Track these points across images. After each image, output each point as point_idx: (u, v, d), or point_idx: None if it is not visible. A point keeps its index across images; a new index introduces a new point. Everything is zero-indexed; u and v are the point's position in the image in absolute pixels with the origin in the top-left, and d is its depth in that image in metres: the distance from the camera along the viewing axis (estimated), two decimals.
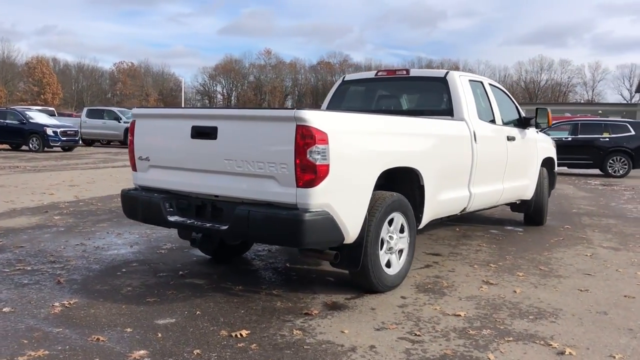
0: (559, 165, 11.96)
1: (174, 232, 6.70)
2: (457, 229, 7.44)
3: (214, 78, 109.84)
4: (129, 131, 4.75)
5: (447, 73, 5.92)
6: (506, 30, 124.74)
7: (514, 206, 7.56)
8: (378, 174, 4.31)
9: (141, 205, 4.58)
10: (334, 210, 3.90)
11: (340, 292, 4.55)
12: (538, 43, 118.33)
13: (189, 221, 4.34)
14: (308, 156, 3.73)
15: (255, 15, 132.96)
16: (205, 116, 4.30)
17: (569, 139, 17.53)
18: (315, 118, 3.76)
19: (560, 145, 17.53)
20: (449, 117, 5.67)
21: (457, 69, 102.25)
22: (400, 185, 4.77)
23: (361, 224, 4.17)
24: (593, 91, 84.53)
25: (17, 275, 4.80)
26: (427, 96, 6.17)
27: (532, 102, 66.40)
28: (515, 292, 4.66)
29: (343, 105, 6.53)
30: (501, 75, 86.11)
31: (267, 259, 5.62)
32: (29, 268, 5.02)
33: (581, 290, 4.74)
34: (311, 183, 3.77)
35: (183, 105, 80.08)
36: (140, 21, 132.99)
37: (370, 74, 6.54)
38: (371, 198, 4.27)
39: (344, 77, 6.69)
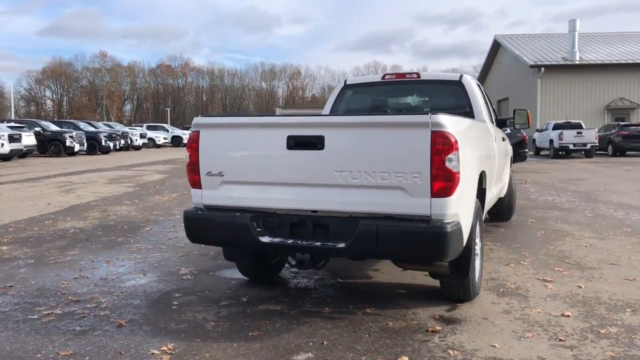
0: None
1: (169, 253, 6.04)
2: None
3: (42, 82, 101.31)
4: (189, 144, 4.13)
5: (461, 76, 5.98)
6: (337, 37, 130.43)
7: None
8: (478, 179, 4.21)
9: (222, 227, 3.99)
10: (460, 219, 3.72)
11: (428, 304, 4.36)
12: (366, 49, 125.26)
13: (289, 241, 3.88)
14: (446, 163, 3.52)
15: (80, 15, 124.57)
16: (307, 124, 3.87)
17: None
18: (449, 123, 3.56)
19: None
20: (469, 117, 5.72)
21: (299, 73, 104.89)
22: None
23: (469, 232, 4.04)
24: None
25: (56, 321, 3.96)
26: (444, 99, 6.14)
27: None
28: (580, 287, 4.81)
29: (349, 109, 6.31)
30: (341, 80, 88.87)
31: (308, 275, 5.23)
32: (58, 311, 4.18)
33: (630, 280, 5.03)
34: (447, 192, 3.56)
35: (13, 112, 72.73)
36: None
37: (376, 78, 6.38)
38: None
39: (345, 81, 6.46)
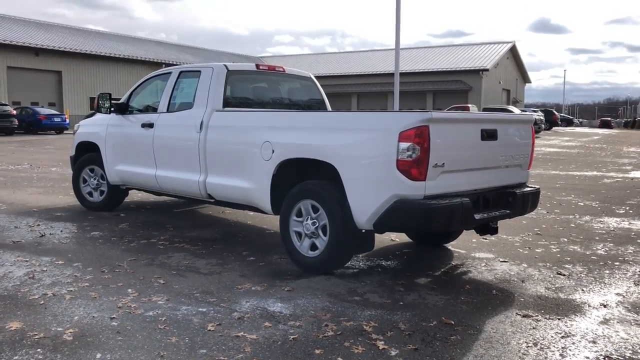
0: None
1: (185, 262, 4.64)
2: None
3: None
4: (415, 139, 4.26)
5: (309, 74, 7.00)
6: None
7: None
8: None
9: (459, 211, 4.48)
10: None
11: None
12: None
13: (486, 215, 4.76)
14: (534, 147, 5.41)
15: None
16: (491, 120, 5.03)
17: None
18: None
19: None
20: (325, 110, 6.89)
21: None
22: None
23: None
24: None
25: None
26: (306, 91, 6.87)
27: None
28: None
29: (235, 95, 6.18)
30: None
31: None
32: None
33: None
34: (530, 165, 5.44)
35: None
36: None
37: (251, 66, 6.47)
38: None
39: (226, 67, 6.05)
